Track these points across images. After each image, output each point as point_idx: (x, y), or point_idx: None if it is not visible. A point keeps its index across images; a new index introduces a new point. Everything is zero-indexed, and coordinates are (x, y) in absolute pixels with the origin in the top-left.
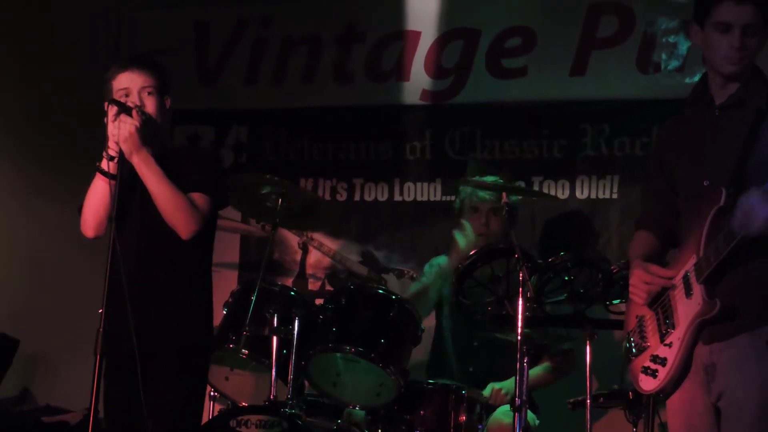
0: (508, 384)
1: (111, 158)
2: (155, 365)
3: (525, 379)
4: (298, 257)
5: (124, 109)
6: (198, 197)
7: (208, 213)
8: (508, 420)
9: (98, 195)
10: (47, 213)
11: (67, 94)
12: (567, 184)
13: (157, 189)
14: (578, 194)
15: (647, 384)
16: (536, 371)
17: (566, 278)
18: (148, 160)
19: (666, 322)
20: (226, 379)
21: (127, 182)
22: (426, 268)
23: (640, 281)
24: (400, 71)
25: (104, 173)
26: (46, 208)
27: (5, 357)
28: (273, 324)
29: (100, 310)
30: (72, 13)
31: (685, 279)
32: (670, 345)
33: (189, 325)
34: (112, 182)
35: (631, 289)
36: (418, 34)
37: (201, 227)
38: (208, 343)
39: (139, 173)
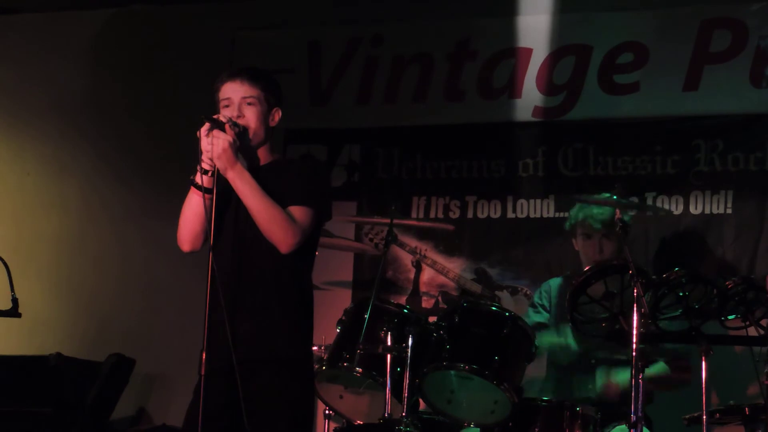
0: (622, 376)
1: (204, 172)
2: (252, 376)
3: (640, 395)
4: (412, 275)
5: (216, 125)
6: (297, 210)
7: (308, 226)
8: None
9: (193, 209)
10: (161, 234)
11: (181, 116)
12: (680, 200)
13: (253, 203)
14: (692, 210)
15: None
16: (654, 369)
17: (681, 294)
18: (243, 174)
19: None
20: (341, 397)
21: (221, 196)
22: (538, 296)
23: None
24: (512, 88)
25: (198, 187)
26: (160, 229)
27: (122, 377)
28: (387, 342)
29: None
30: (185, 37)
31: None
32: None
33: (286, 336)
34: (206, 196)
35: None
36: (529, 51)
37: (300, 240)
38: (306, 356)
39: (234, 188)
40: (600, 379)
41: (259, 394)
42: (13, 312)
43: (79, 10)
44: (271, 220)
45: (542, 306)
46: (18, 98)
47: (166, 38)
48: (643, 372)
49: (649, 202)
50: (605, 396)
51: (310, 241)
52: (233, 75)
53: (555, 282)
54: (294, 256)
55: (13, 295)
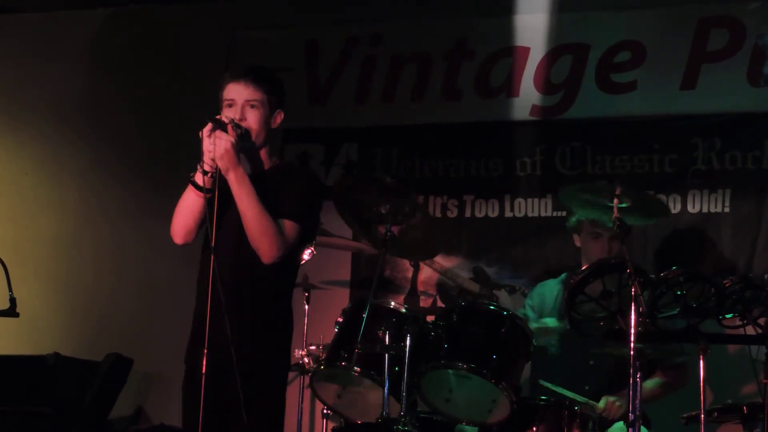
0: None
1: (205, 172)
2: (230, 378)
3: (638, 394)
4: (410, 274)
5: (219, 125)
6: (288, 224)
7: (294, 242)
8: None
9: (189, 206)
10: (158, 233)
11: (178, 115)
12: (678, 198)
13: (247, 210)
14: (690, 208)
15: None
16: (647, 385)
17: (679, 293)
18: (243, 178)
19: None
20: (339, 396)
21: (220, 196)
22: (529, 299)
23: None
24: (510, 87)
25: (197, 187)
26: (158, 228)
27: (120, 376)
28: (385, 341)
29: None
30: (183, 36)
31: None
32: None
33: (261, 348)
34: (207, 195)
35: None
36: (527, 50)
37: (284, 254)
38: (279, 369)
39: (232, 191)
40: (602, 401)
41: (235, 397)
42: (11, 312)
43: (78, 10)
44: (262, 231)
45: (531, 307)
46: (16, 98)
47: (164, 38)
48: (641, 371)
49: None
50: (606, 415)
51: (292, 258)
52: (238, 76)
53: (549, 284)
54: (280, 265)
55: (11, 295)
